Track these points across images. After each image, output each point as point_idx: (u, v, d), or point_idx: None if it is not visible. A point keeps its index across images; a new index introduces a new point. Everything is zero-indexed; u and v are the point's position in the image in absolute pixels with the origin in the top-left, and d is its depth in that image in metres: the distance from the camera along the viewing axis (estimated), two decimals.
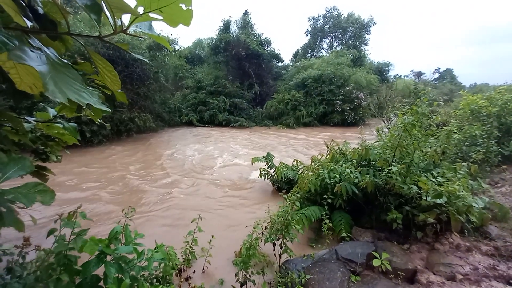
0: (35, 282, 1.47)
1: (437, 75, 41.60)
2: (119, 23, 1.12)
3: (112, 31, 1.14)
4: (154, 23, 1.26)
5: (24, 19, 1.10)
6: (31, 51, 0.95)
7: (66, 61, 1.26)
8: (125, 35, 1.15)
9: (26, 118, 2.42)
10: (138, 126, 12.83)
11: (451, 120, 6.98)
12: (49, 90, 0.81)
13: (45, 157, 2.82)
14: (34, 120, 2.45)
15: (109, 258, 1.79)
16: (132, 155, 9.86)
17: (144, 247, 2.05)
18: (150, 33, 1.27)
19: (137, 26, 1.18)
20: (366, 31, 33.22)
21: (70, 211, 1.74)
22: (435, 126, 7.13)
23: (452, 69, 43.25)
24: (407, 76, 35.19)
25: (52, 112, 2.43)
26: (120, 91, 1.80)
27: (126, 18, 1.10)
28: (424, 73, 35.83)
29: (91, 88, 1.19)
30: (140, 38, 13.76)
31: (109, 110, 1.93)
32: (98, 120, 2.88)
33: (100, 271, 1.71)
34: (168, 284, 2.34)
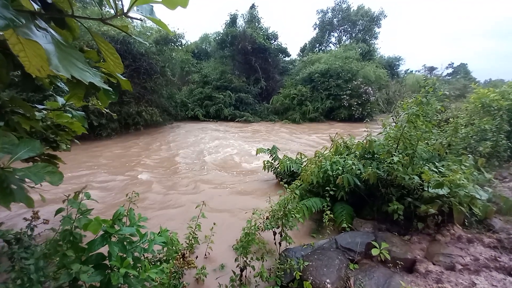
0: (43, 255, 1.56)
1: (450, 70, 40.37)
2: (120, 6, 1.16)
3: (113, 14, 1.18)
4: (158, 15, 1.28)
5: (32, 2, 1.16)
6: (37, 30, 1.01)
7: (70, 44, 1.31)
8: (132, 30, 1.19)
9: (36, 106, 2.52)
10: (145, 120, 13.04)
11: (461, 114, 6.82)
12: (53, 64, 0.86)
13: (55, 145, 2.94)
14: (44, 108, 2.55)
15: (114, 239, 1.89)
16: (141, 147, 10.07)
17: (147, 230, 2.13)
18: (151, 17, 1.29)
19: (138, 9, 1.22)
20: (376, 24, 32.34)
21: (76, 191, 1.83)
22: (444, 121, 6.99)
23: (467, 64, 41.83)
24: (419, 71, 34.28)
25: (61, 101, 2.53)
26: (124, 78, 1.86)
27: (126, 3, 1.14)
28: (436, 67, 34.81)
29: (94, 69, 1.25)
30: (147, 33, 13.87)
31: (114, 96, 2.00)
32: (105, 109, 2.96)
33: (105, 250, 1.80)
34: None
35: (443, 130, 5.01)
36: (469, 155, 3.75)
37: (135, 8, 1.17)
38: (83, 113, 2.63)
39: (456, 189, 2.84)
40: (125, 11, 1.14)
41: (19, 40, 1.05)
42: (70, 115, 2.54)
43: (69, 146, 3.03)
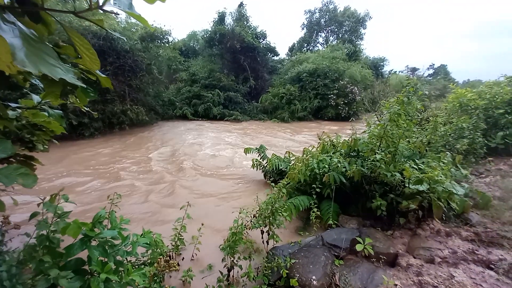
0: (18, 262, 1.48)
1: (431, 71, 41.94)
2: None
3: (88, 7, 1.13)
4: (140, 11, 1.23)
5: None
6: (4, 24, 0.95)
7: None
8: (116, 26, 1.13)
9: (9, 104, 2.38)
10: (130, 119, 12.69)
11: (440, 113, 7.11)
12: (18, 60, 0.81)
13: (31, 146, 2.79)
14: (18, 107, 2.41)
15: (94, 243, 1.81)
16: (124, 148, 9.78)
17: (130, 232, 2.06)
18: (129, 12, 1.24)
19: (115, 3, 1.16)
20: (362, 25, 33.15)
21: (52, 193, 1.74)
22: (424, 119, 7.26)
23: (446, 65, 43.52)
24: (402, 72, 35.38)
25: (36, 99, 2.40)
26: (105, 76, 1.79)
27: None
28: (418, 68, 36.08)
29: (67, 65, 1.19)
30: (133, 29, 13.46)
31: (93, 94, 1.92)
32: (85, 108, 2.85)
33: (84, 255, 1.72)
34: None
35: (424, 128, 5.20)
36: (447, 152, 3.91)
37: (111, 1, 1.12)
38: (61, 111, 2.51)
39: (435, 185, 2.95)
40: (100, 4, 1.09)
41: None
42: (46, 114, 2.42)
43: (47, 147, 2.88)
